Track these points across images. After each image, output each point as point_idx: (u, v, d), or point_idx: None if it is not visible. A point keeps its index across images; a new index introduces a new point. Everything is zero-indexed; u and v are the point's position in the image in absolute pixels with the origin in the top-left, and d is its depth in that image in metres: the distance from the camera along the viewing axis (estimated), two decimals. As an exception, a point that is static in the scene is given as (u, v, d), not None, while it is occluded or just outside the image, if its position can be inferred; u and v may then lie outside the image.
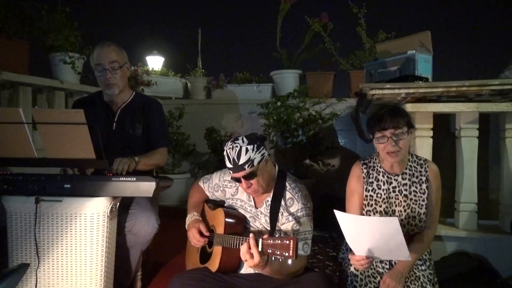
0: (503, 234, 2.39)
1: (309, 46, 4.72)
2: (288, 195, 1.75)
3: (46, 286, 1.71)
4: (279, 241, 1.45)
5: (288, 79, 4.77)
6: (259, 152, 1.67)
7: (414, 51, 2.60)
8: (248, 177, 1.66)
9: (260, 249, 1.48)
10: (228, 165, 1.68)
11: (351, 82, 4.57)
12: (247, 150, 1.64)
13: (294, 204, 1.73)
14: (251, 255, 1.48)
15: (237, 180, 1.71)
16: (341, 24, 4.70)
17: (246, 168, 1.64)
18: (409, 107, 2.37)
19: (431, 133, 2.41)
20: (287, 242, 1.42)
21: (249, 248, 1.48)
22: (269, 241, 1.47)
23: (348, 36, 4.75)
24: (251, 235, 1.51)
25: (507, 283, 2.18)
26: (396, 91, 2.37)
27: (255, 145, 1.66)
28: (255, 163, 1.65)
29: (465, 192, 2.41)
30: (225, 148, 1.69)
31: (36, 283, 1.69)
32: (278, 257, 1.44)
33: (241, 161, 1.63)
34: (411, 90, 2.35)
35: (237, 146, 1.65)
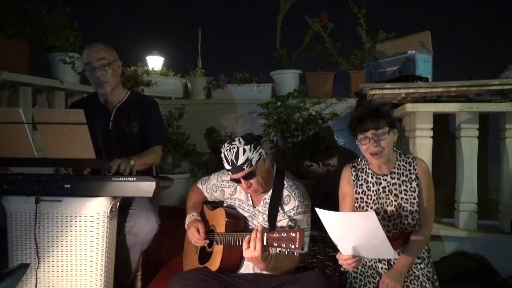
0: (503, 234, 2.38)
1: (309, 46, 4.73)
2: (285, 192, 1.76)
3: (46, 286, 1.71)
4: (285, 234, 1.46)
5: (288, 79, 4.78)
6: (257, 152, 1.67)
7: (414, 51, 2.60)
8: (247, 177, 1.67)
9: (265, 243, 1.48)
10: (227, 166, 1.69)
11: (351, 82, 4.57)
12: (244, 151, 1.64)
13: (291, 201, 1.73)
14: (254, 246, 1.48)
15: (237, 181, 1.71)
16: (341, 24, 4.70)
17: (245, 168, 1.64)
18: (409, 107, 2.37)
19: (431, 133, 2.41)
20: (293, 234, 1.44)
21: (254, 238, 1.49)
22: (274, 234, 1.48)
23: (348, 36, 4.75)
24: (259, 227, 1.51)
25: (507, 283, 2.18)
26: (396, 91, 2.37)
27: (252, 145, 1.66)
28: (254, 162, 1.66)
29: (465, 192, 2.41)
30: (222, 150, 1.69)
31: (36, 283, 1.69)
32: (284, 249, 1.45)
33: (240, 162, 1.64)
34: (411, 90, 2.35)
35: (234, 147, 1.65)
